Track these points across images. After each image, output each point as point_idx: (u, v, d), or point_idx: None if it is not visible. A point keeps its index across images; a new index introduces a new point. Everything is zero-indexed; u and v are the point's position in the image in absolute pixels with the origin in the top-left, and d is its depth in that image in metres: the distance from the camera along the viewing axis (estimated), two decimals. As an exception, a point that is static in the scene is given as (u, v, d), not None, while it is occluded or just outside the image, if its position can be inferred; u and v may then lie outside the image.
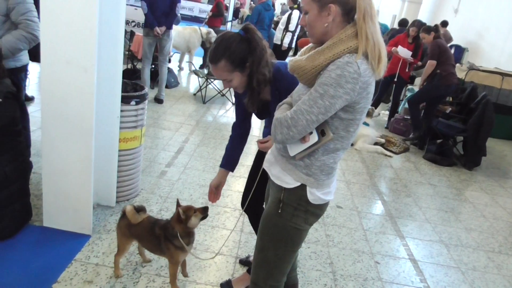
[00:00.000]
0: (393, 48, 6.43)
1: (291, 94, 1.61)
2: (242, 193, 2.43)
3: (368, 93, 1.37)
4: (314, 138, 1.42)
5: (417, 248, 3.25)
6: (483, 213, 4.12)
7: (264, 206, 2.30)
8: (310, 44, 1.53)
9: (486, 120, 5.16)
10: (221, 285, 2.42)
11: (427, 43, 5.87)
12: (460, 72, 7.44)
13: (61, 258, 2.44)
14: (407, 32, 6.53)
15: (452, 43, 10.41)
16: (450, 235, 3.54)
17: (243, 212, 2.29)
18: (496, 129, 6.23)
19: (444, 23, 10.03)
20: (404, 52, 6.30)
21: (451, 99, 6.72)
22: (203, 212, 2.14)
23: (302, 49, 1.54)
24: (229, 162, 2.20)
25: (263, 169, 1.95)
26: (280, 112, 1.47)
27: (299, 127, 1.37)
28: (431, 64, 5.54)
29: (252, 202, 2.16)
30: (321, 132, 1.41)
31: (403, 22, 8.97)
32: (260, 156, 2.27)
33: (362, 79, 1.32)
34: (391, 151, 5.55)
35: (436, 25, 5.92)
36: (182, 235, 2.12)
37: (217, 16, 9.12)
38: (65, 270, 2.35)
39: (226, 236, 2.95)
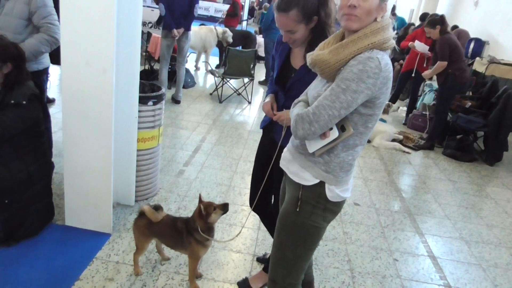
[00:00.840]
0: (410, 42, 6.34)
1: (306, 92, 1.61)
2: None
3: (387, 88, 1.39)
4: (335, 133, 1.42)
5: (436, 245, 3.21)
6: (505, 209, 4.04)
7: (273, 204, 2.31)
8: (329, 38, 1.53)
9: (507, 115, 5.05)
10: (238, 283, 2.44)
11: (433, 38, 5.42)
12: (481, 66, 7.29)
13: (82, 256, 2.50)
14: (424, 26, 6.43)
15: (472, 36, 10.20)
16: (471, 232, 3.49)
17: (252, 212, 2.29)
18: (518, 123, 6.10)
19: (453, 27, 9.84)
20: (421, 47, 6.21)
21: (471, 93, 6.60)
22: (223, 208, 2.18)
23: (321, 44, 1.54)
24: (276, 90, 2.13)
25: (271, 168, 1.96)
26: (299, 109, 1.48)
27: (321, 122, 1.37)
28: (441, 65, 5.11)
29: (260, 201, 2.18)
30: (341, 128, 1.42)
31: (424, 17, 8.81)
32: (260, 154, 2.27)
33: (383, 74, 1.34)
34: (409, 147, 5.49)
35: (442, 16, 5.34)
36: (203, 229, 2.17)
37: (233, 16, 9.14)
38: (87, 268, 2.41)
39: (243, 234, 2.97)
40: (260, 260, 2.70)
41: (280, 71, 2.00)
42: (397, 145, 5.43)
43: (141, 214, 2.29)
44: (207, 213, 2.14)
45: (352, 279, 2.65)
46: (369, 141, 5.50)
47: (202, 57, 8.70)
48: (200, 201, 2.19)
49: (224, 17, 9.81)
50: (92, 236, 2.69)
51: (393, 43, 1.41)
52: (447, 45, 5.09)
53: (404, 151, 5.34)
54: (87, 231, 2.72)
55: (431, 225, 3.52)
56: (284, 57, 1.98)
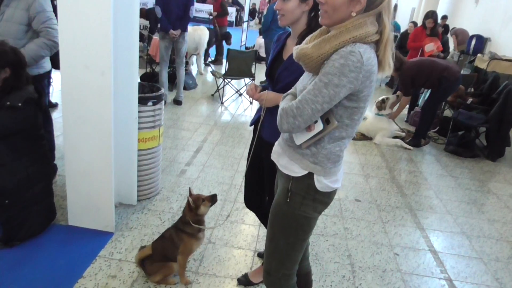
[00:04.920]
0: (427, 45, 6.51)
1: (295, 85, 1.64)
2: None
3: (371, 82, 1.39)
4: (319, 126, 1.45)
5: (437, 240, 3.22)
6: (507, 204, 4.04)
7: (268, 201, 2.34)
8: (315, 32, 1.55)
9: (508, 110, 5.04)
10: (238, 280, 2.47)
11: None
12: (482, 62, 7.28)
13: (86, 254, 2.54)
14: (423, 25, 6.48)
15: (474, 33, 10.18)
16: (472, 227, 3.49)
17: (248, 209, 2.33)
18: (521, 118, 6.08)
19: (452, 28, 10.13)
20: (430, 47, 6.42)
21: (472, 89, 6.59)
22: (211, 200, 2.26)
23: (307, 37, 1.56)
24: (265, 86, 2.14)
25: (263, 162, 1.98)
26: (285, 103, 1.50)
27: (305, 116, 1.40)
28: (406, 101, 5.45)
29: (254, 198, 2.19)
30: (326, 121, 1.44)
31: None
32: (250, 152, 2.29)
33: (365, 68, 1.34)
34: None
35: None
36: (194, 222, 2.24)
37: (222, 16, 9.18)
38: (90, 266, 2.45)
39: (244, 231, 3.00)
40: (261, 255, 2.72)
41: (271, 64, 2.02)
42: (398, 141, 5.43)
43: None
44: (196, 206, 2.20)
45: (352, 274, 2.67)
46: (370, 139, 5.51)
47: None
48: (190, 194, 2.24)
49: (211, 17, 9.70)
50: (95, 235, 2.73)
51: (376, 37, 1.39)
52: (407, 78, 5.14)
53: (405, 148, 5.35)
54: (90, 231, 2.76)
55: (432, 221, 3.53)
56: (277, 51, 2.00)
